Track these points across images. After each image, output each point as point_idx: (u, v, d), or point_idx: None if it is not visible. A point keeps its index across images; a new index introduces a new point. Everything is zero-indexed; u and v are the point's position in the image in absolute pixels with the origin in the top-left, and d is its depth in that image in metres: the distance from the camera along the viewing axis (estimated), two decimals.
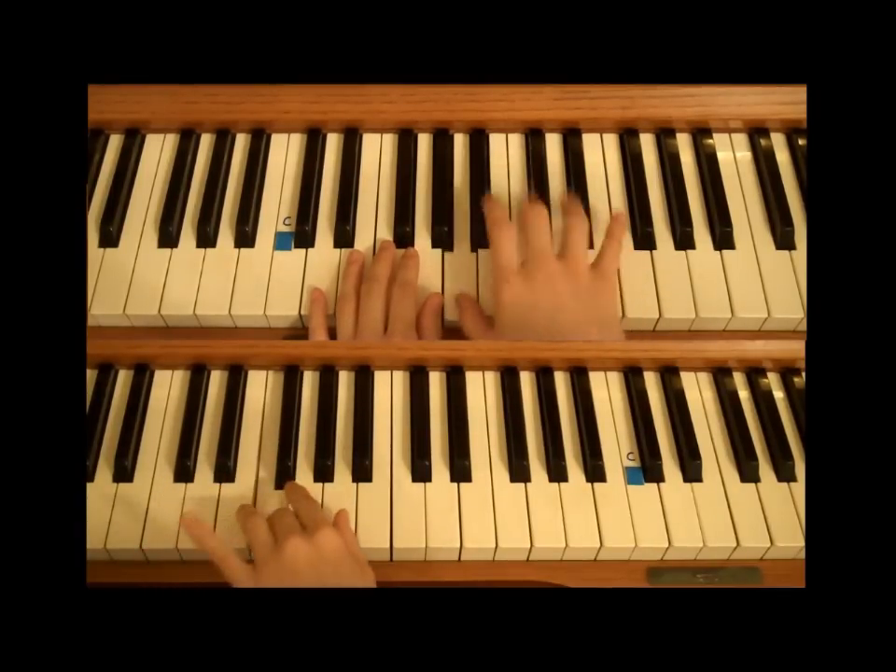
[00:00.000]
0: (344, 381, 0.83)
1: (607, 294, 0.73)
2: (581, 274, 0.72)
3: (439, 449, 0.79)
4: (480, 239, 0.79)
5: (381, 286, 0.76)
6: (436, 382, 0.83)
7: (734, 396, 0.82)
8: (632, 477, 0.77)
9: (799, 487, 0.77)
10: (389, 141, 0.86)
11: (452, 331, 0.77)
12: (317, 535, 0.67)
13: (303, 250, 0.79)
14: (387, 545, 0.73)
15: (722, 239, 0.79)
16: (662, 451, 0.78)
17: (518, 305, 0.71)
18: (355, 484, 0.76)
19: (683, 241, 0.80)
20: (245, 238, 0.79)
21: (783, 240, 0.79)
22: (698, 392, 0.83)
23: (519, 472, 0.77)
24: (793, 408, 0.82)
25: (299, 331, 0.78)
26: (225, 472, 0.76)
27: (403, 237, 0.79)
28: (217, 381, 0.83)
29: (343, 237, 0.79)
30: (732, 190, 0.82)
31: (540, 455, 0.78)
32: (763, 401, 0.82)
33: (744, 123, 0.86)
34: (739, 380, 0.84)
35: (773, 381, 0.84)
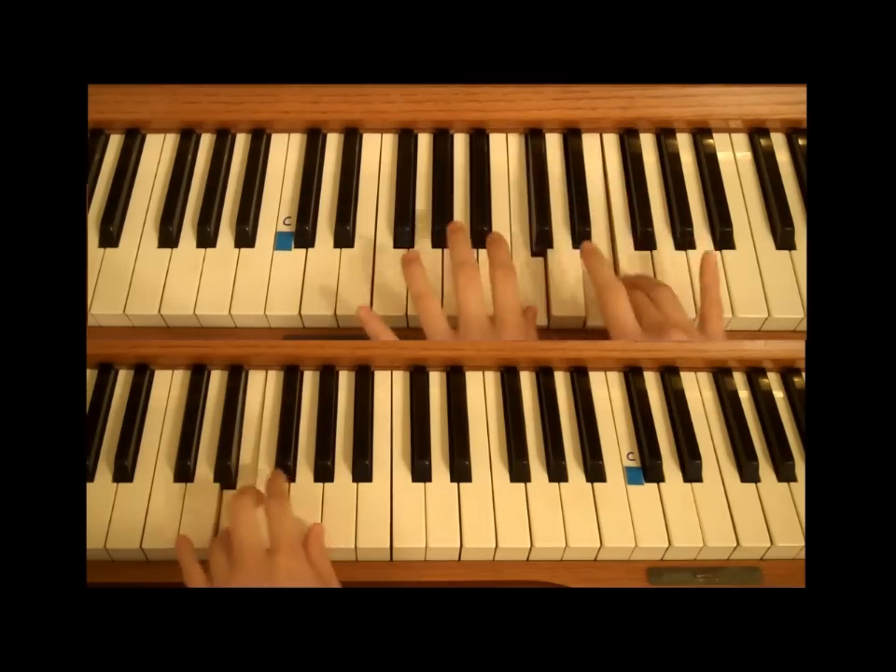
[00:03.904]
0: (344, 381, 0.83)
1: None
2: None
3: (439, 449, 0.79)
4: (479, 238, 0.79)
5: (478, 271, 0.72)
6: (436, 382, 0.83)
7: (734, 396, 0.82)
8: (632, 477, 0.77)
9: (799, 487, 0.77)
10: (389, 141, 0.86)
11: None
12: (276, 558, 0.66)
13: (303, 250, 0.79)
14: (387, 545, 0.73)
15: (722, 239, 0.79)
16: (662, 451, 0.78)
17: None
18: (355, 484, 0.76)
19: (683, 241, 0.80)
20: (245, 238, 0.79)
21: (783, 240, 0.79)
22: (698, 392, 0.83)
23: (519, 472, 0.77)
24: (793, 408, 0.82)
25: (299, 331, 0.78)
26: (225, 472, 0.76)
27: (403, 237, 0.79)
28: (216, 381, 0.83)
29: (343, 237, 0.79)
30: (732, 190, 0.83)
31: (540, 455, 0.78)
32: (763, 401, 0.82)
33: (744, 123, 0.86)
34: (739, 380, 0.84)
35: (773, 381, 0.84)
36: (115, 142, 0.86)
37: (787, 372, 0.84)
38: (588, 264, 0.75)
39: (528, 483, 0.76)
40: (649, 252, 0.80)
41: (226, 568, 0.67)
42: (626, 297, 0.71)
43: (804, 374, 0.83)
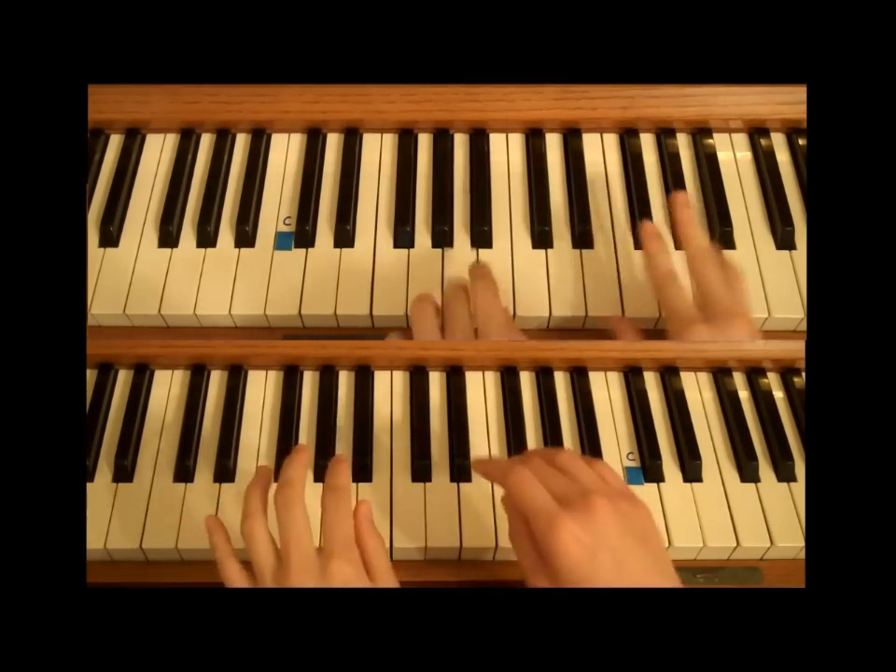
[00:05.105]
0: (344, 381, 0.83)
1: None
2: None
3: (439, 449, 0.79)
4: (479, 238, 0.79)
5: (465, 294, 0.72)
6: (436, 382, 0.83)
7: (734, 396, 0.82)
8: (632, 477, 0.77)
9: (799, 487, 0.77)
10: (389, 141, 0.86)
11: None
12: (329, 567, 0.60)
13: (304, 250, 0.79)
14: (387, 545, 0.73)
15: (722, 239, 0.79)
16: (662, 451, 0.78)
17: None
18: (355, 484, 0.76)
19: None
20: (245, 238, 0.79)
21: (783, 240, 0.79)
22: (698, 392, 0.83)
23: None
24: (793, 408, 0.82)
25: (299, 331, 0.78)
26: (225, 472, 0.76)
27: (403, 237, 0.79)
28: (216, 381, 0.83)
29: (343, 237, 0.79)
30: (732, 190, 0.83)
31: None
32: (763, 401, 0.82)
33: (744, 123, 0.86)
34: (739, 380, 0.84)
35: (773, 381, 0.84)
36: (115, 142, 0.86)
37: (787, 372, 0.84)
38: (648, 249, 0.73)
39: None
40: None
41: (274, 568, 0.62)
42: (683, 288, 0.70)
43: (804, 374, 0.83)
